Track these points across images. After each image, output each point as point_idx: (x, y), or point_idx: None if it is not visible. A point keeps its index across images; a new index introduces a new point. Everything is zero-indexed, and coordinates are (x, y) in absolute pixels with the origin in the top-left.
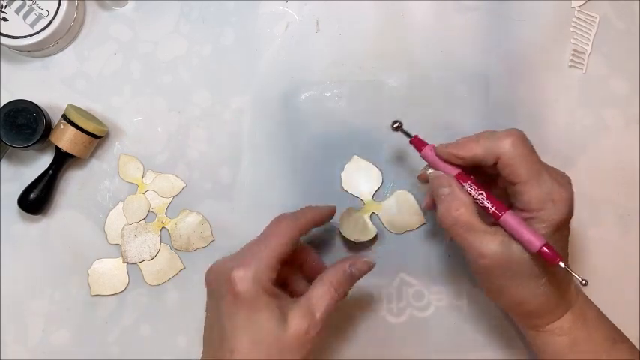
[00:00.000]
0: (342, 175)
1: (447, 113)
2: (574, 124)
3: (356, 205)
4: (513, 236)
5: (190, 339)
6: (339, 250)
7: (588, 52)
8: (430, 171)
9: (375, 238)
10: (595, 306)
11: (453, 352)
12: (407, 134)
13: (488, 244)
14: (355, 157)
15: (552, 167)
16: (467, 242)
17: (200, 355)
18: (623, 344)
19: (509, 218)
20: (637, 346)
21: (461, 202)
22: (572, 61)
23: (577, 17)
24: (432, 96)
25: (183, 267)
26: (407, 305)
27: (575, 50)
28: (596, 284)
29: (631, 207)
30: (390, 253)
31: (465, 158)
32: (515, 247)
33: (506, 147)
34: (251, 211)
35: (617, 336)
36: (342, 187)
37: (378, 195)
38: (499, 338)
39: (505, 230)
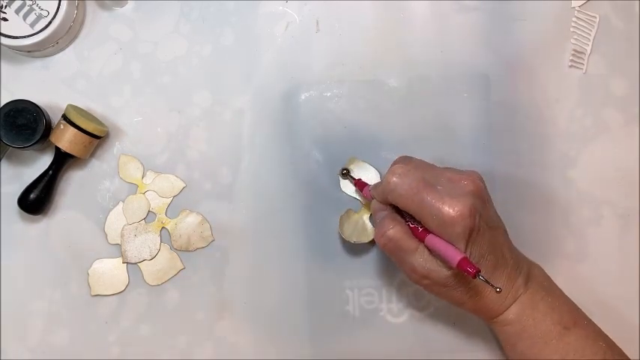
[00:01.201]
0: (341, 176)
1: (447, 113)
2: (574, 124)
3: (355, 206)
4: (437, 254)
5: (190, 339)
6: (338, 252)
7: (588, 52)
8: (373, 201)
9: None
10: (551, 293)
11: (453, 352)
12: (352, 178)
13: (418, 259)
14: (353, 158)
15: (447, 177)
16: (400, 258)
17: (200, 355)
18: (577, 329)
19: (432, 238)
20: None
21: (394, 222)
22: (572, 61)
23: (577, 17)
24: (432, 96)
25: (183, 267)
26: (407, 305)
27: (575, 50)
28: (596, 284)
29: (631, 207)
30: None
31: (379, 201)
32: (437, 263)
33: (387, 192)
34: (251, 211)
35: (570, 322)
36: (340, 189)
37: None
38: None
39: (429, 249)
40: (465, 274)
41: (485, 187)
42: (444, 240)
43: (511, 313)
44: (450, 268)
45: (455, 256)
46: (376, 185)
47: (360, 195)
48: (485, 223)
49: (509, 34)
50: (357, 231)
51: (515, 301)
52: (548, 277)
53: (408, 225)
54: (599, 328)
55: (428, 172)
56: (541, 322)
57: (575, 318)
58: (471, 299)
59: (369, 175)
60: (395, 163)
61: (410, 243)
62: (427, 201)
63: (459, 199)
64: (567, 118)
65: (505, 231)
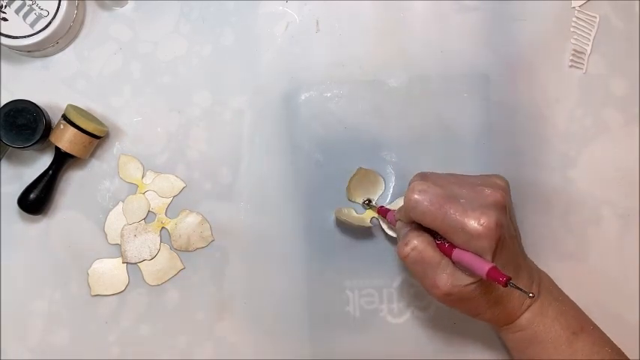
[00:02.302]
0: (346, 189)
1: (447, 113)
2: (574, 124)
3: (356, 208)
4: (465, 267)
5: (190, 339)
6: (338, 252)
7: (588, 52)
8: (398, 221)
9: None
10: (559, 299)
11: (453, 352)
12: (374, 207)
13: (441, 274)
14: (361, 168)
15: (468, 187)
16: (422, 271)
17: (200, 355)
18: (584, 334)
19: (459, 252)
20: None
21: (419, 233)
22: (572, 61)
23: (577, 17)
24: (432, 96)
25: (183, 267)
26: (407, 305)
27: (575, 50)
28: (596, 284)
29: (631, 207)
30: (390, 254)
31: (404, 221)
32: (462, 276)
33: (409, 210)
34: (251, 211)
35: (578, 327)
36: (344, 192)
37: (381, 200)
38: (499, 339)
39: (455, 263)
40: (495, 283)
41: (509, 192)
42: (471, 252)
43: (523, 320)
44: (475, 280)
45: (483, 266)
46: (400, 209)
47: (384, 222)
48: (507, 233)
49: (509, 34)
50: (352, 218)
51: (527, 309)
52: (554, 282)
53: (434, 241)
54: (605, 334)
55: (447, 186)
56: (551, 328)
57: (582, 323)
58: (489, 309)
59: (375, 185)
60: (413, 180)
61: (434, 255)
62: (450, 215)
63: (482, 211)
64: (567, 118)
65: (520, 239)
